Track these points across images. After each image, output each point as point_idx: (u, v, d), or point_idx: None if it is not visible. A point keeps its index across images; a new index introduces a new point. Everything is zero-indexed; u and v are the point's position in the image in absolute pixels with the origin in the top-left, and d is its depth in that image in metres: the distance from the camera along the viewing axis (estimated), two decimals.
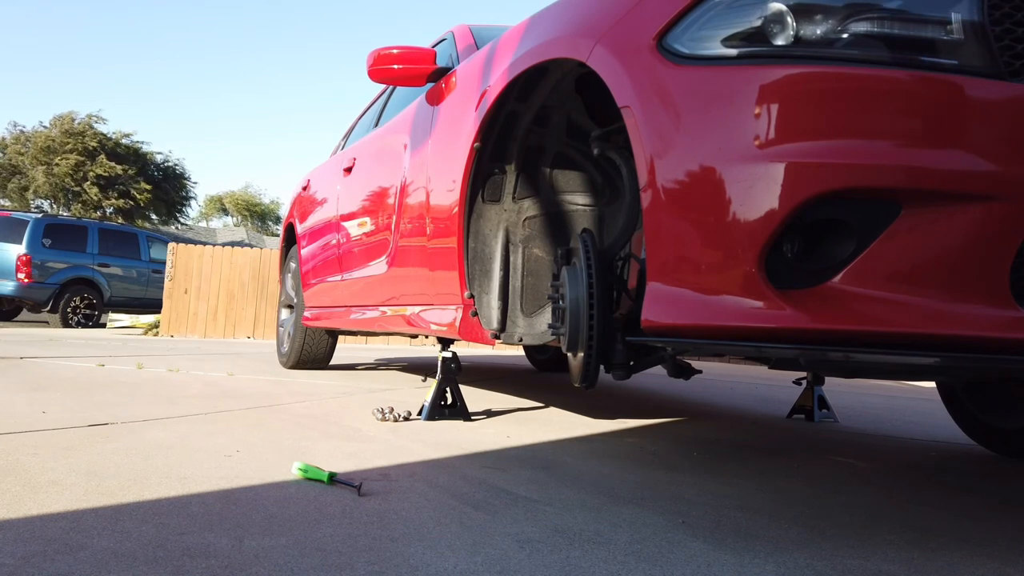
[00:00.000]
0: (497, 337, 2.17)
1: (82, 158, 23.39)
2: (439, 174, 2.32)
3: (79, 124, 24.29)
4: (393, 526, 1.26)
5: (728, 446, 2.27)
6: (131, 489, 1.40)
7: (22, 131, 24.43)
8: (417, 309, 2.62)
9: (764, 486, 1.72)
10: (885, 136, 1.17)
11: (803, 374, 3.14)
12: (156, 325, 8.83)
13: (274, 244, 30.92)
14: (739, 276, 1.24)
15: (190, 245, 8.91)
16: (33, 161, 23.62)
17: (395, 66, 2.60)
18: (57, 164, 23.15)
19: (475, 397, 3.20)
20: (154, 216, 26.84)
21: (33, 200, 24.34)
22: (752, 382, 4.95)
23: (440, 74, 2.61)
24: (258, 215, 43.26)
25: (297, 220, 4.43)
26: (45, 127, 24.29)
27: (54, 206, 24.60)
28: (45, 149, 23.44)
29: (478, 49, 2.54)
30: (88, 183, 23.51)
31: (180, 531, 1.17)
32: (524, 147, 2.12)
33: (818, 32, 1.23)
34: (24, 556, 1.03)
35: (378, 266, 2.94)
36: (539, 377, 4.55)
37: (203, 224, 40.56)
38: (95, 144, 23.91)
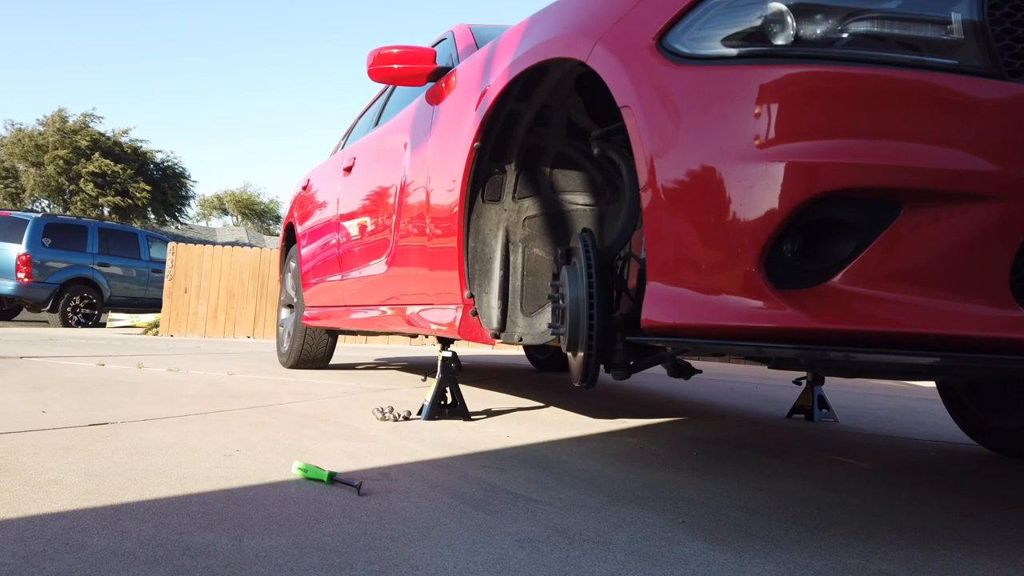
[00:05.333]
0: (497, 337, 2.17)
1: (72, 155, 23.36)
2: (439, 174, 2.32)
3: (73, 123, 24.27)
4: (393, 525, 1.26)
5: (728, 446, 2.28)
6: (131, 489, 1.40)
7: (20, 129, 24.43)
8: (417, 309, 2.62)
9: (764, 486, 1.72)
10: (885, 136, 1.17)
11: (803, 374, 3.14)
12: (156, 324, 8.83)
13: (274, 243, 30.93)
14: (739, 276, 1.24)
15: (190, 244, 8.91)
16: (24, 161, 23.62)
17: (395, 66, 2.60)
18: (48, 164, 23.14)
19: (475, 397, 3.19)
20: (152, 216, 26.84)
21: (32, 201, 24.33)
22: (752, 382, 4.95)
23: (440, 74, 2.61)
24: (257, 214, 43.28)
25: (297, 220, 4.43)
26: (41, 127, 24.29)
27: (52, 206, 24.61)
28: (36, 148, 23.43)
29: (478, 49, 2.54)
30: (83, 180, 23.49)
31: (180, 530, 1.17)
32: (524, 147, 2.12)
33: (818, 32, 1.23)
34: (24, 555, 1.03)
35: (378, 266, 2.94)
36: (539, 377, 4.55)
37: (203, 223, 40.57)
38: (88, 142, 23.88)
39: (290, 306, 4.50)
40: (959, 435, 2.76)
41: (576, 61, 1.66)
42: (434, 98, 2.56)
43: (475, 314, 2.18)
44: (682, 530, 1.32)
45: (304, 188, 4.42)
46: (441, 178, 2.30)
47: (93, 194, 23.81)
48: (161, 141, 77.00)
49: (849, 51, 1.21)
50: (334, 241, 3.59)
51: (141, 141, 26.28)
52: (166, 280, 8.57)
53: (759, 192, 1.21)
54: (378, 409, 2.45)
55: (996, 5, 1.18)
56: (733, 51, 1.28)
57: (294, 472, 1.58)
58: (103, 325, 10.33)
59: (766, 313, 1.22)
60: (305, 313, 4.07)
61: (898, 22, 1.20)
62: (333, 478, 1.53)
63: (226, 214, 43.98)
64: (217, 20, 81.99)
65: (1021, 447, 2.31)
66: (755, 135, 1.22)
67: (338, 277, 3.52)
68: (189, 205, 29.01)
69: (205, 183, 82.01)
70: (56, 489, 1.37)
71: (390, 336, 8.02)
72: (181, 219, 28.84)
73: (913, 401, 4.14)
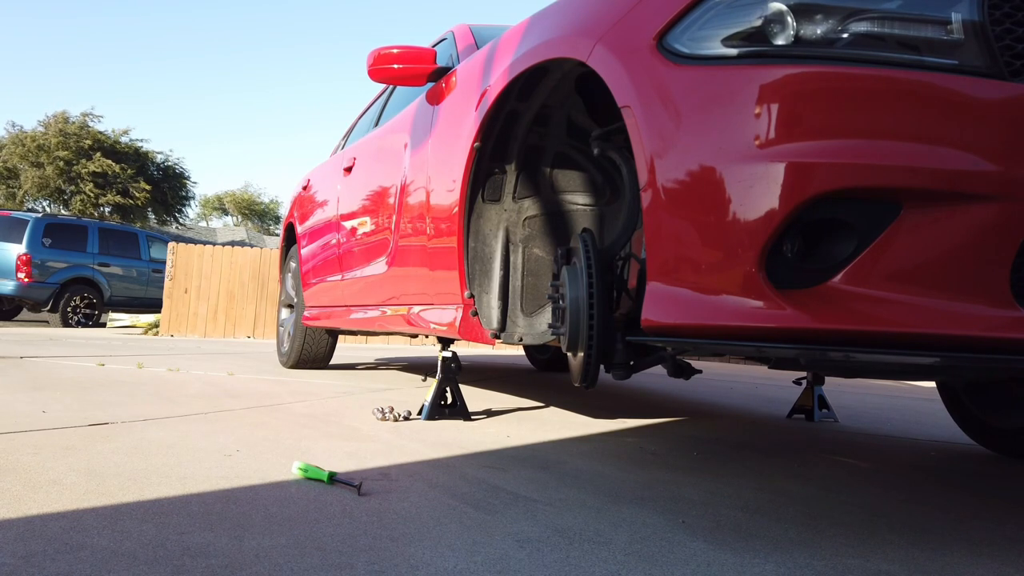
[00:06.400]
0: (497, 337, 2.17)
1: (72, 156, 23.34)
2: (439, 174, 2.32)
3: (73, 123, 24.25)
4: (393, 526, 1.26)
5: (728, 446, 2.28)
6: (131, 488, 1.40)
7: (21, 130, 24.42)
8: (417, 309, 2.62)
9: (764, 486, 1.72)
10: (885, 136, 1.17)
11: (803, 374, 3.14)
12: (156, 325, 8.83)
13: (274, 244, 30.92)
14: (739, 276, 1.24)
15: (190, 245, 8.91)
16: (24, 162, 23.61)
17: (395, 66, 2.60)
18: (49, 163, 23.13)
19: (475, 397, 3.20)
20: (152, 216, 26.82)
21: (32, 201, 24.33)
22: (752, 382, 4.95)
23: (440, 74, 2.61)
24: (258, 215, 43.26)
25: (297, 220, 4.43)
26: (41, 128, 24.26)
27: (52, 206, 24.62)
28: (37, 149, 23.41)
29: (478, 49, 2.54)
30: (83, 180, 23.49)
31: (180, 530, 1.17)
32: (524, 147, 2.12)
33: (818, 32, 1.23)
34: (24, 555, 1.03)
35: (378, 266, 2.94)
36: (539, 377, 4.56)
37: (203, 224, 40.58)
38: (89, 143, 23.87)
39: (290, 306, 4.50)
40: (959, 435, 2.76)
41: (576, 61, 1.66)
42: (434, 98, 2.56)
43: (475, 314, 2.18)
44: (682, 530, 1.32)
45: (304, 188, 4.42)
46: (441, 178, 2.30)
47: (92, 195, 23.79)
48: (161, 141, 77.01)
49: (849, 51, 1.21)
50: (334, 241, 3.59)
51: (141, 141, 26.27)
52: (166, 280, 8.57)
53: (759, 192, 1.21)
54: (378, 409, 2.45)
55: (996, 5, 1.18)
56: (733, 51, 1.28)
57: (294, 472, 1.58)
58: (103, 325, 10.33)
59: (766, 313, 1.22)
60: (305, 313, 4.08)
61: (898, 22, 1.20)
62: (333, 478, 1.53)
63: (226, 214, 43.98)
64: (217, 20, 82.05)
65: (1021, 447, 2.31)
66: (755, 135, 1.22)
67: (338, 277, 3.52)
68: (189, 205, 28.98)
69: (205, 183, 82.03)
70: (56, 489, 1.37)
71: (390, 336, 8.02)
72: (181, 219, 28.82)
73: (913, 401, 4.13)
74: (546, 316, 2.18)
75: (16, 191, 24.14)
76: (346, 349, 7.04)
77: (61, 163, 23.34)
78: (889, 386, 5.20)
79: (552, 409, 2.93)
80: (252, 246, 10.74)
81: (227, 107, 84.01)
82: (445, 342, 2.69)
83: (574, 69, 1.86)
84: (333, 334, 4.23)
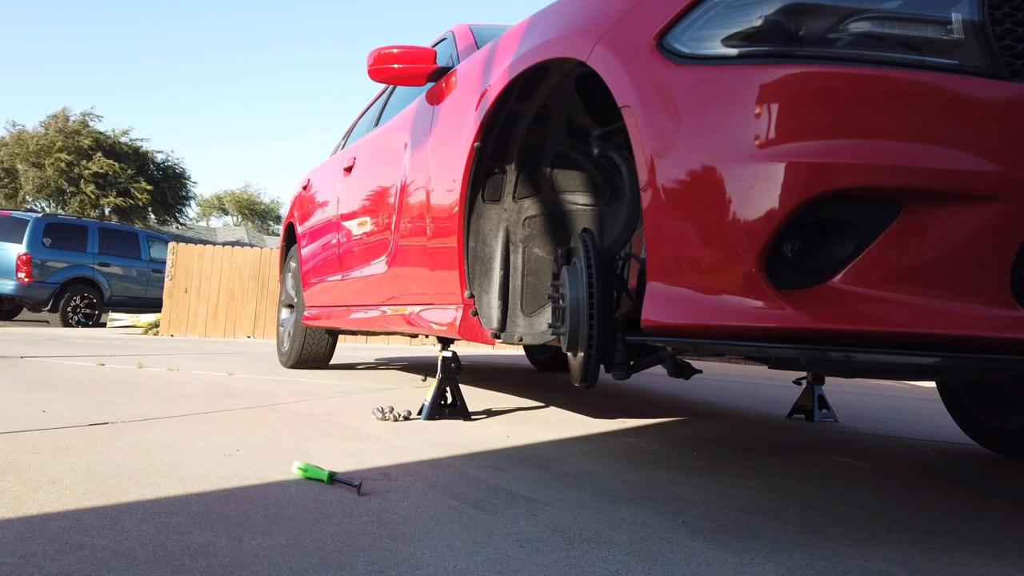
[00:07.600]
0: (497, 337, 2.17)
1: (71, 157, 23.33)
2: (439, 173, 2.32)
3: (74, 123, 24.24)
4: (393, 525, 1.26)
5: (728, 446, 2.28)
6: (131, 488, 1.40)
7: (22, 129, 24.41)
8: (417, 309, 2.62)
9: (764, 486, 1.72)
10: (886, 136, 1.17)
11: (803, 374, 3.14)
12: (156, 324, 8.83)
13: (274, 243, 30.92)
14: (739, 276, 1.24)
15: (190, 244, 8.91)
16: (25, 162, 23.60)
17: (395, 65, 2.60)
18: (50, 164, 23.12)
19: (475, 397, 3.20)
20: (152, 216, 26.83)
21: (32, 201, 24.33)
22: (752, 382, 4.95)
23: (440, 74, 2.61)
24: (258, 214, 43.27)
25: (297, 220, 4.43)
26: (41, 128, 24.25)
27: (53, 205, 24.61)
28: (37, 150, 23.40)
29: (478, 49, 2.54)
30: (84, 181, 23.49)
31: (180, 530, 1.17)
32: (524, 147, 2.12)
33: (818, 32, 1.23)
34: (24, 555, 1.03)
35: (378, 265, 2.94)
36: (539, 377, 4.55)
37: (203, 223, 40.58)
38: (89, 143, 23.86)
39: (290, 306, 4.50)
40: (959, 435, 2.76)
41: (576, 61, 1.66)
42: (434, 98, 2.56)
43: (475, 314, 2.18)
44: (682, 530, 1.32)
45: (304, 188, 4.42)
46: (441, 178, 2.30)
47: (93, 196, 23.79)
48: (161, 141, 77.00)
49: (849, 51, 1.21)
50: (334, 241, 3.59)
51: (141, 141, 26.28)
52: (166, 280, 8.57)
53: (759, 192, 1.21)
54: (378, 409, 2.45)
55: (996, 5, 1.18)
56: (733, 51, 1.28)
57: (294, 472, 1.58)
58: (103, 325, 10.33)
59: (766, 313, 1.22)
60: (305, 313, 4.08)
61: (898, 22, 1.20)
62: (333, 478, 1.53)
63: (226, 214, 43.99)
64: (217, 20, 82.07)
65: (1021, 447, 2.31)
66: (755, 135, 1.22)
67: (338, 277, 3.52)
68: (189, 205, 28.99)
69: (205, 183, 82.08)
70: (56, 489, 1.37)
71: (390, 336, 8.02)
72: (181, 219, 28.83)
73: (913, 401, 4.13)
74: (546, 316, 2.18)
75: (17, 191, 24.14)
76: (346, 349, 7.04)
77: (62, 164, 23.34)
78: (889, 386, 5.20)
79: (552, 409, 2.93)
80: (252, 246, 10.72)
81: (227, 107, 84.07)
82: (445, 342, 2.69)
83: (574, 69, 1.86)
84: (333, 334, 4.23)
